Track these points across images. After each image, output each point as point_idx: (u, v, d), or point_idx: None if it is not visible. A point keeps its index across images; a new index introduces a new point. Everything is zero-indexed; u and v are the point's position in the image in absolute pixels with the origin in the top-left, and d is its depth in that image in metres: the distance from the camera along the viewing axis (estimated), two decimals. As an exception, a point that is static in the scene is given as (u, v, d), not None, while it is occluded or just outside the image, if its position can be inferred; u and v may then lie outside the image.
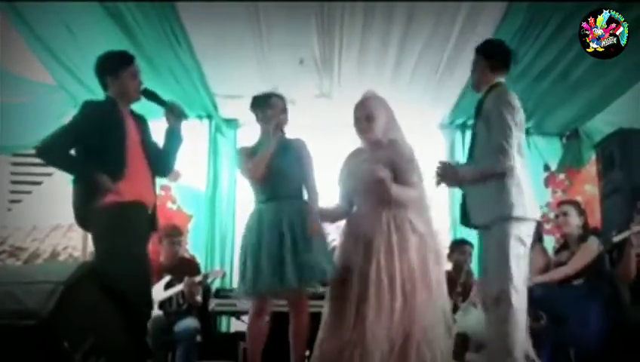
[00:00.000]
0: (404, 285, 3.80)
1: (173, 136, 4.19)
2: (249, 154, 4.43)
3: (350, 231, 4.15)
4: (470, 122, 7.50)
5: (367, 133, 4.10)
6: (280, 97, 4.51)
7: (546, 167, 7.59)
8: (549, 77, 6.03)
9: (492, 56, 4.04)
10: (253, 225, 4.32)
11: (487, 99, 3.96)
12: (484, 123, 3.92)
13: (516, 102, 3.85)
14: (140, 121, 4.14)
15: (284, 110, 4.49)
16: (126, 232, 3.73)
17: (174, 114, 4.16)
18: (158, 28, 5.44)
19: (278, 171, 4.30)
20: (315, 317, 4.24)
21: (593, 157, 6.97)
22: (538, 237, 5.08)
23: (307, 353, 5.37)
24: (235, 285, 5.40)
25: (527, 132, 7.49)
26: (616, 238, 4.94)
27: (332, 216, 4.33)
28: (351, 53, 6.03)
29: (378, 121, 4.07)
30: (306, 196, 4.41)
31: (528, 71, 5.96)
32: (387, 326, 3.74)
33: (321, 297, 4.49)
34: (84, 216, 3.89)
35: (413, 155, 4.07)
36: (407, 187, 3.97)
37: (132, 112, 4.13)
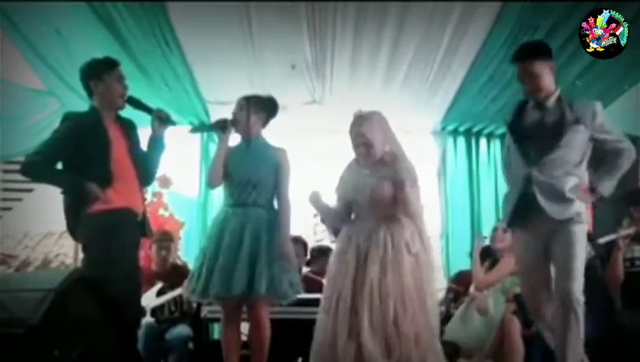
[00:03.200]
0: (395, 304, 3.79)
1: (156, 144, 4.16)
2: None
3: (347, 239, 4.14)
4: (462, 128, 7.53)
5: (367, 158, 4.09)
6: (244, 99, 4.43)
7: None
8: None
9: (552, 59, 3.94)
10: (215, 229, 4.31)
11: (577, 105, 3.82)
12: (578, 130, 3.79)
13: None
14: (127, 128, 4.10)
15: (245, 111, 4.39)
16: (114, 239, 3.72)
17: (161, 120, 4.12)
18: (149, 33, 5.44)
19: (249, 178, 4.28)
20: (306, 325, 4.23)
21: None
22: None
23: (300, 360, 5.39)
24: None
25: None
26: (602, 240, 4.96)
27: (329, 213, 4.31)
28: (343, 59, 6.03)
29: (376, 144, 4.05)
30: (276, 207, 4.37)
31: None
32: (382, 342, 3.74)
33: (300, 304, 4.50)
34: (74, 225, 3.88)
35: (415, 173, 4.06)
36: (410, 204, 3.97)
37: (119, 118, 4.10)
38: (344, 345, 3.79)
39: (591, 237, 5.22)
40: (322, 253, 6.07)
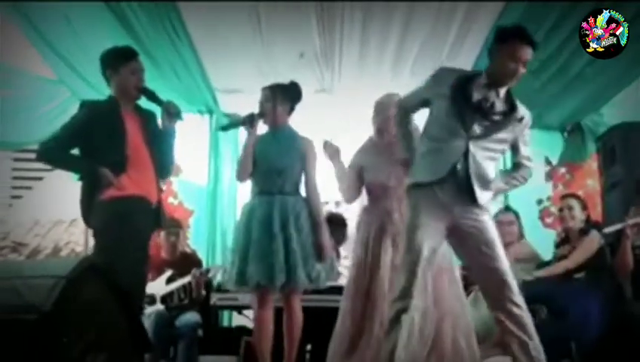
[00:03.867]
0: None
1: (166, 137, 4.17)
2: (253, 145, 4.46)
3: (367, 224, 4.22)
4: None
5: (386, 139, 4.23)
6: (269, 90, 4.49)
7: (547, 161, 7.59)
8: (549, 70, 6.02)
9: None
10: (244, 218, 4.36)
11: (520, 106, 3.74)
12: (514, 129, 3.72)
13: None
14: (146, 118, 4.13)
15: (270, 102, 4.45)
16: (126, 227, 3.74)
17: (170, 114, 4.11)
18: (157, 22, 5.45)
19: (275, 167, 4.34)
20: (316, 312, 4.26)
21: (595, 150, 6.97)
22: None
23: (309, 347, 5.41)
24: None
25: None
26: (608, 230, 4.96)
27: (341, 170, 4.39)
28: (351, 47, 6.03)
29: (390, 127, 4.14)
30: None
31: (527, 64, 5.95)
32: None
33: (322, 291, 4.52)
34: (88, 211, 3.91)
35: None
36: None
37: (138, 108, 4.14)
38: (366, 332, 3.86)
39: (600, 227, 5.23)
40: (339, 224, 6.09)
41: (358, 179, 4.41)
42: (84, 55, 5.48)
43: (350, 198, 4.53)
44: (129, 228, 3.76)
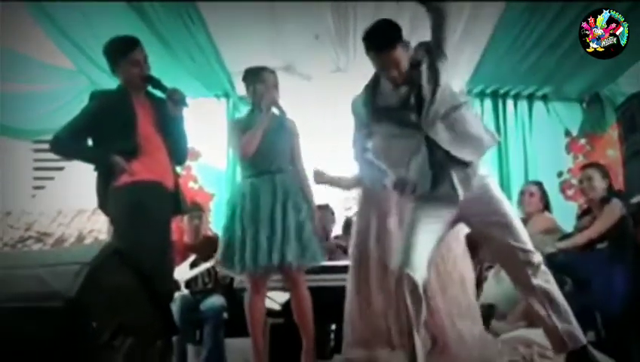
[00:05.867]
0: None
1: (176, 123, 4.14)
2: (242, 129, 4.48)
3: (367, 197, 4.17)
4: (489, 90, 7.48)
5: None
6: (271, 72, 4.56)
7: (567, 133, 7.54)
8: (565, 43, 5.97)
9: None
10: (246, 200, 4.35)
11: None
12: None
13: None
14: (157, 104, 4.13)
15: (276, 86, 4.54)
16: (141, 212, 3.74)
17: (174, 100, 4.06)
18: (172, 7, 5.45)
19: (273, 146, 4.39)
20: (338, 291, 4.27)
21: (615, 120, 6.91)
22: None
23: (333, 326, 5.43)
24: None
25: (547, 97, 7.46)
26: (635, 200, 4.92)
27: (341, 182, 4.36)
28: (365, 26, 5.99)
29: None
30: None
31: (543, 39, 5.93)
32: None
33: (333, 271, 4.54)
34: (104, 200, 3.94)
35: None
36: None
37: (149, 95, 4.14)
38: (381, 305, 3.83)
39: (622, 195, 5.19)
40: None
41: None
42: (99, 43, 5.48)
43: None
44: (145, 212, 3.75)
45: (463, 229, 4.01)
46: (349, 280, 4.21)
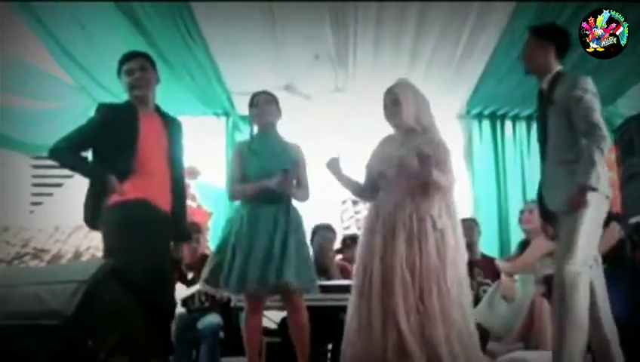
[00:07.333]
0: (421, 282, 3.79)
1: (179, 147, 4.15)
2: (244, 155, 4.46)
3: (375, 216, 4.12)
4: (487, 111, 7.50)
5: (394, 118, 4.07)
6: (265, 94, 4.52)
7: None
8: (566, 63, 5.99)
9: (561, 44, 3.95)
10: (244, 222, 4.30)
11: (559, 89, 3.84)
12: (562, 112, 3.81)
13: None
14: (167, 124, 4.08)
15: (270, 106, 4.49)
16: (130, 230, 3.67)
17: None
18: (172, 26, 5.48)
19: (275, 168, 4.29)
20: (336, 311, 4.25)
21: (612, 143, 6.92)
22: None
23: (330, 346, 5.41)
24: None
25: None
26: (633, 220, 4.92)
27: (350, 183, 4.33)
28: (365, 47, 6.03)
29: (405, 105, 4.02)
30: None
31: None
32: (415, 319, 3.74)
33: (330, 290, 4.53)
34: (92, 217, 3.90)
35: (446, 145, 4.04)
36: (442, 174, 3.93)
37: (159, 112, 4.10)
38: (380, 325, 3.80)
39: (620, 218, 5.19)
40: (354, 240, 6.09)
41: (370, 188, 4.32)
42: (99, 60, 5.53)
43: (369, 198, 4.43)
44: (134, 231, 3.66)
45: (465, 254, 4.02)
46: (350, 299, 4.19)
